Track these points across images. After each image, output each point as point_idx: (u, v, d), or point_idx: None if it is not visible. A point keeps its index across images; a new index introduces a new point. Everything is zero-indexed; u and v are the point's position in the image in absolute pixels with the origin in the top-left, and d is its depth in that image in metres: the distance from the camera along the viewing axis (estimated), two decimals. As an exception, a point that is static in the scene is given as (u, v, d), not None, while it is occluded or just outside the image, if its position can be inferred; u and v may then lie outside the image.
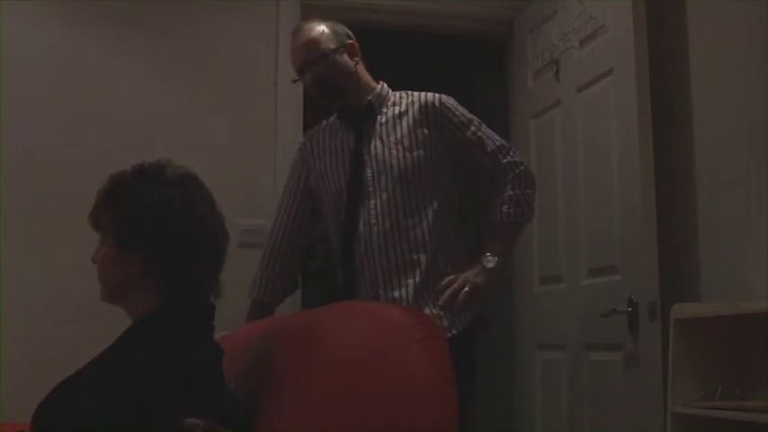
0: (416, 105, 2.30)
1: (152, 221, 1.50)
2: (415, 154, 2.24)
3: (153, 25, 3.16)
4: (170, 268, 1.51)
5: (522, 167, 2.32)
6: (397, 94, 2.37)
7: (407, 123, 2.28)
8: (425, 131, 2.26)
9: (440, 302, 2.17)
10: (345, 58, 2.31)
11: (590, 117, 2.87)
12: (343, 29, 2.36)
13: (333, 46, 2.29)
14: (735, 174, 2.52)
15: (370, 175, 2.26)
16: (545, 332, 3.11)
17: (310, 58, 2.29)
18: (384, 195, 2.23)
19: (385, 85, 2.39)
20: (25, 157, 2.97)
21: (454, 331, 2.15)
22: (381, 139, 2.28)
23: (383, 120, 2.31)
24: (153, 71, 3.15)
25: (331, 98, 2.33)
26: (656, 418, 2.38)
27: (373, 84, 2.38)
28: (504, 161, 2.30)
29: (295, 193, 2.44)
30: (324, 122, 2.45)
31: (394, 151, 2.25)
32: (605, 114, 2.76)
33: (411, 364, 1.46)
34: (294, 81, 2.40)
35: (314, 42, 2.30)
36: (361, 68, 2.36)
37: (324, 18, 2.40)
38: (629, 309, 2.53)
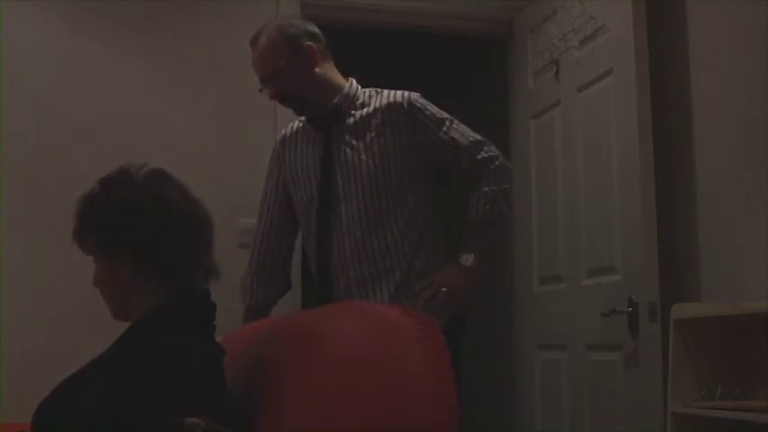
0: (385, 107, 2.24)
1: (128, 223, 1.52)
2: (384, 159, 2.20)
3: (152, 26, 3.16)
4: (158, 261, 1.52)
5: (497, 162, 2.27)
6: (366, 92, 2.30)
7: (376, 127, 2.22)
8: (395, 135, 2.22)
9: (418, 303, 2.13)
10: (303, 64, 2.22)
11: (590, 117, 2.87)
12: (300, 30, 2.26)
13: (286, 58, 2.21)
14: (735, 174, 2.51)
15: (340, 182, 2.22)
16: (545, 332, 3.11)
17: (265, 75, 2.24)
18: (354, 203, 2.20)
19: (353, 84, 2.31)
20: (25, 158, 2.97)
21: None
22: (350, 144, 2.23)
23: (352, 123, 2.25)
24: (152, 71, 3.14)
25: (295, 108, 2.30)
26: (656, 418, 2.38)
27: (341, 82, 2.30)
28: (479, 157, 2.26)
29: (275, 193, 2.40)
30: (297, 122, 2.39)
31: (363, 157, 2.20)
32: (605, 114, 2.76)
33: (410, 363, 1.46)
34: (260, 90, 2.31)
35: (266, 57, 2.23)
36: (325, 68, 2.27)
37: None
38: (629, 309, 2.52)
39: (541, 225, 3.14)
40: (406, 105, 2.24)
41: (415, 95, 2.26)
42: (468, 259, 2.20)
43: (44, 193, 2.97)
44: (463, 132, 2.27)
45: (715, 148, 2.62)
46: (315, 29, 2.30)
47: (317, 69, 2.25)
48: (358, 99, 2.28)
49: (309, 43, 2.25)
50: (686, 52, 2.74)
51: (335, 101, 2.26)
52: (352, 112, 2.26)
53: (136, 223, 1.51)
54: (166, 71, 3.16)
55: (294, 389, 1.53)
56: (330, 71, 2.29)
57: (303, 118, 2.36)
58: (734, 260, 2.49)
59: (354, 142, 2.23)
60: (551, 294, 3.07)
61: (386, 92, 2.28)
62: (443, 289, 2.16)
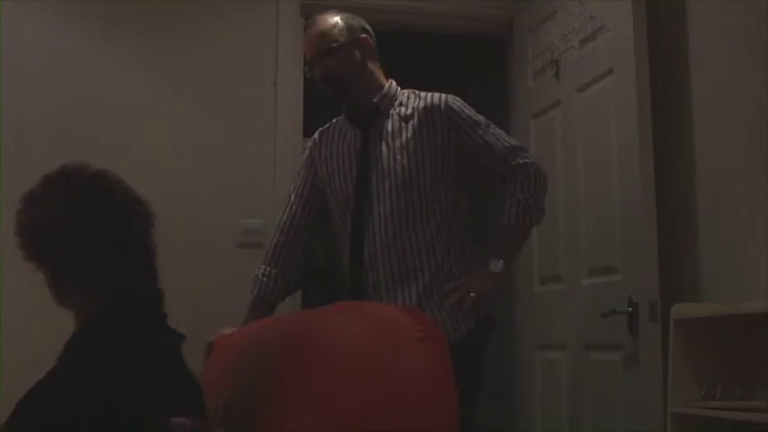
0: (422, 109, 2.25)
1: (34, 236, 1.52)
2: (419, 159, 2.20)
3: (153, 26, 3.17)
4: (70, 274, 1.50)
5: (533, 169, 2.25)
6: (406, 93, 2.32)
7: (413, 127, 2.23)
8: (430, 136, 2.22)
9: (445, 307, 2.14)
10: (355, 53, 2.27)
11: (590, 117, 2.87)
12: (360, 22, 2.33)
13: (342, 40, 2.26)
14: (735, 174, 2.52)
15: (374, 181, 2.22)
16: (545, 332, 3.11)
17: (318, 52, 2.27)
18: (387, 203, 2.20)
19: (393, 84, 2.34)
20: (25, 157, 2.97)
21: (459, 336, 2.13)
22: (387, 143, 2.24)
23: (389, 123, 2.26)
24: (153, 71, 3.15)
25: (335, 94, 2.30)
26: (656, 418, 2.38)
27: (382, 82, 2.32)
28: (515, 163, 2.25)
29: (301, 190, 2.40)
30: (335, 120, 2.41)
31: (398, 157, 2.21)
32: (605, 114, 2.76)
33: (410, 364, 1.46)
34: (304, 71, 2.36)
35: (324, 35, 2.27)
36: (372, 65, 2.31)
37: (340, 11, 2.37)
38: (629, 309, 2.53)
39: (541, 225, 3.12)
40: (443, 107, 2.24)
41: (452, 98, 2.28)
42: (497, 265, 2.19)
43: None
44: (499, 136, 2.27)
45: (715, 147, 2.62)
46: (370, 28, 2.36)
47: (365, 62, 2.29)
48: (396, 99, 2.31)
49: (365, 35, 2.31)
50: (686, 52, 2.74)
51: (375, 99, 2.28)
52: (391, 111, 2.28)
53: (40, 236, 1.51)
54: (167, 72, 3.16)
55: (294, 389, 1.53)
56: (376, 70, 2.33)
57: (341, 117, 2.38)
58: (734, 260, 2.49)
59: (390, 141, 2.24)
60: (551, 294, 3.07)
61: (424, 94, 2.30)
62: (471, 294, 2.15)
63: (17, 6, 3.03)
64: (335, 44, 2.25)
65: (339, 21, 2.29)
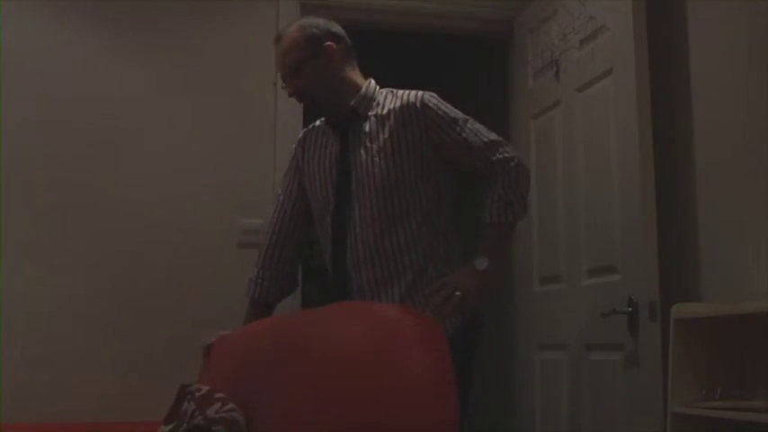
0: (398, 108, 2.23)
1: None
2: (397, 160, 2.19)
3: (152, 26, 3.17)
4: None
5: (513, 163, 2.22)
6: (384, 93, 2.30)
7: (390, 128, 2.21)
8: (408, 135, 2.20)
9: (430, 306, 2.12)
10: (320, 64, 2.25)
11: (590, 117, 2.87)
12: (322, 30, 2.28)
13: (305, 56, 2.24)
14: (735, 173, 2.52)
15: (354, 184, 2.21)
16: (545, 332, 3.11)
17: (285, 73, 2.28)
18: (367, 205, 2.19)
19: (372, 85, 2.31)
20: (25, 157, 2.97)
21: (445, 335, 2.12)
22: (365, 146, 2.23)
23: (367, 125, 2.25)
24: (152, 71, 3.15)
25: (312, 106, 2.32)
26: (656, 418, 2.38)
27: (359, 83, 2.30)
28: (494, 158, 2.22)
29: (290, 191, 2.41)
30: (318, 123, 2.41)
31: (377, 159, 2.20)
32: (605, 114, 2.76)
33: (411, 363, 1.46)
34: (283, 88, 2.35)
35: (286, 56, 2.26)
36: (345, 69, 2.29)
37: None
38: (629, 309, 2.53)
39: (541, 225, 3.14)
40: (419, 105, 2.22)
41: (428, 95, 2.25)
42: (482, 263, 2.17)
43: (45, 192, 2.98)
44: (477, 132, 2.24)
45: (715, 147, 2.62)
46: (338, 29, 2.32)
47: (334, 70, 2.27)
48: (374, 100, 2.28)
49: (329, 43, 2.26)
50: (686, 52, 2.74)
51: (352, 102, 2.27)
52: (369, 113, 2.26)
53: None
54: (167, 72, 3.16)
55: (296, 388, 1.53)
56: (350, 72, 2.30)
57: (323, 118, 2.38)
58: (734, 260, 2.49)
59: (369, 144, 2.23)
60: (551, 294, 3.07)
61: (401, 92, 2.28)
62: (457, 293, 2.14)
63: (17, 6, 3.03)
64: (297, 64, 2.25)
65: (298, 36, 2.26)
